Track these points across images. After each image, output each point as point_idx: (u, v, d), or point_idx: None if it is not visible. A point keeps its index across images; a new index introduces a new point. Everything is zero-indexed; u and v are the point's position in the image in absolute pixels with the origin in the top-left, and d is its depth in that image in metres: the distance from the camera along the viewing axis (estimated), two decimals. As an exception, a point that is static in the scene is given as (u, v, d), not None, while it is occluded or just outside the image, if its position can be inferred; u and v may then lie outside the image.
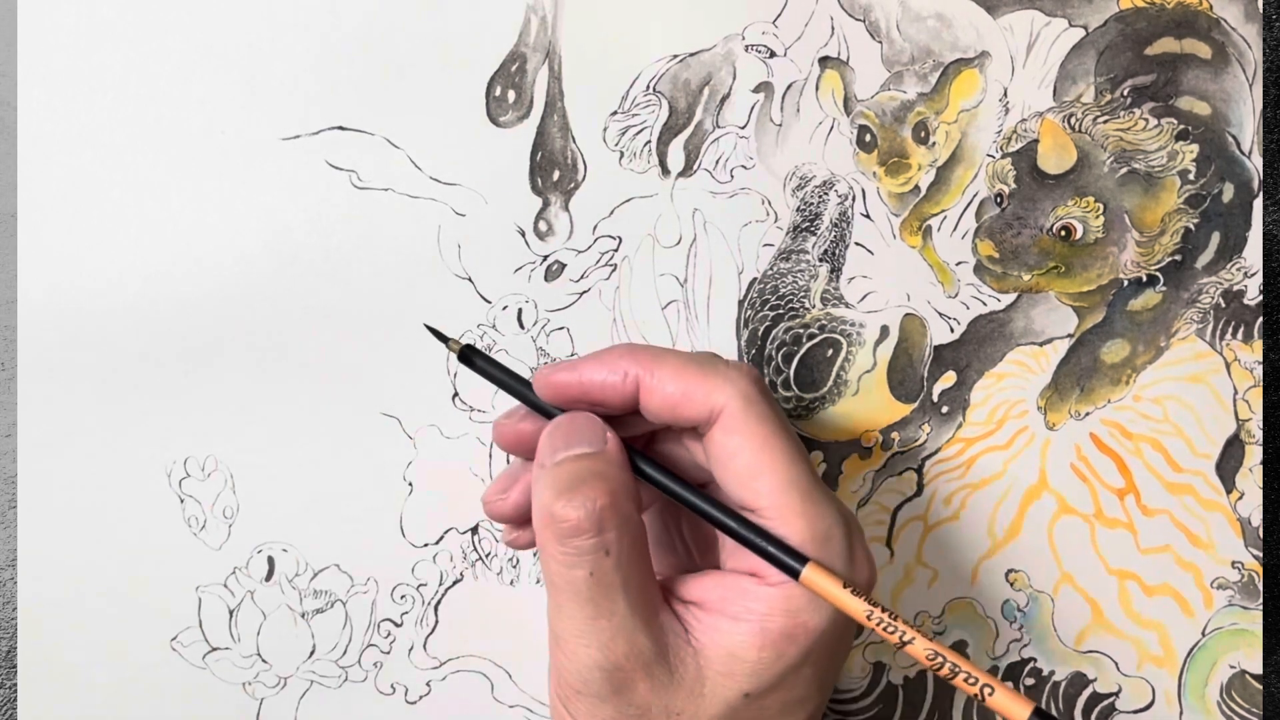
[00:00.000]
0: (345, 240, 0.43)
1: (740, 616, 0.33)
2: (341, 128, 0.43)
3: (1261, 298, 0.46)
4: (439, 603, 0.44)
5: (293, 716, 0.44)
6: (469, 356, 0.37)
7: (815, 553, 0.33)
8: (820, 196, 0.45)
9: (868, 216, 0.46)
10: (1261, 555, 0.47)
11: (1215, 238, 0.46)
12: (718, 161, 0.45)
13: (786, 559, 0.33)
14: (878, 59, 0.45)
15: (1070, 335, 0.46)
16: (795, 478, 0.33)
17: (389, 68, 0.43)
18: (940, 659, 0.32)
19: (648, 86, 0.44)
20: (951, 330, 0.46)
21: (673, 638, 0.33)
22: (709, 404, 0.33)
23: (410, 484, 0.44)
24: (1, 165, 0.43)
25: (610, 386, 0.34)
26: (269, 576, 0.43)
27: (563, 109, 0.44)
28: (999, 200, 0.46)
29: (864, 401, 0.46)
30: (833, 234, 0.45)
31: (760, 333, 0.45)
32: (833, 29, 0.45)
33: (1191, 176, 0.46)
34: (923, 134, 0.45)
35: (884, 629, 0.32)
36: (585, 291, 0.45)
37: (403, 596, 0.44)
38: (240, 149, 0.43)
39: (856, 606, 0.32)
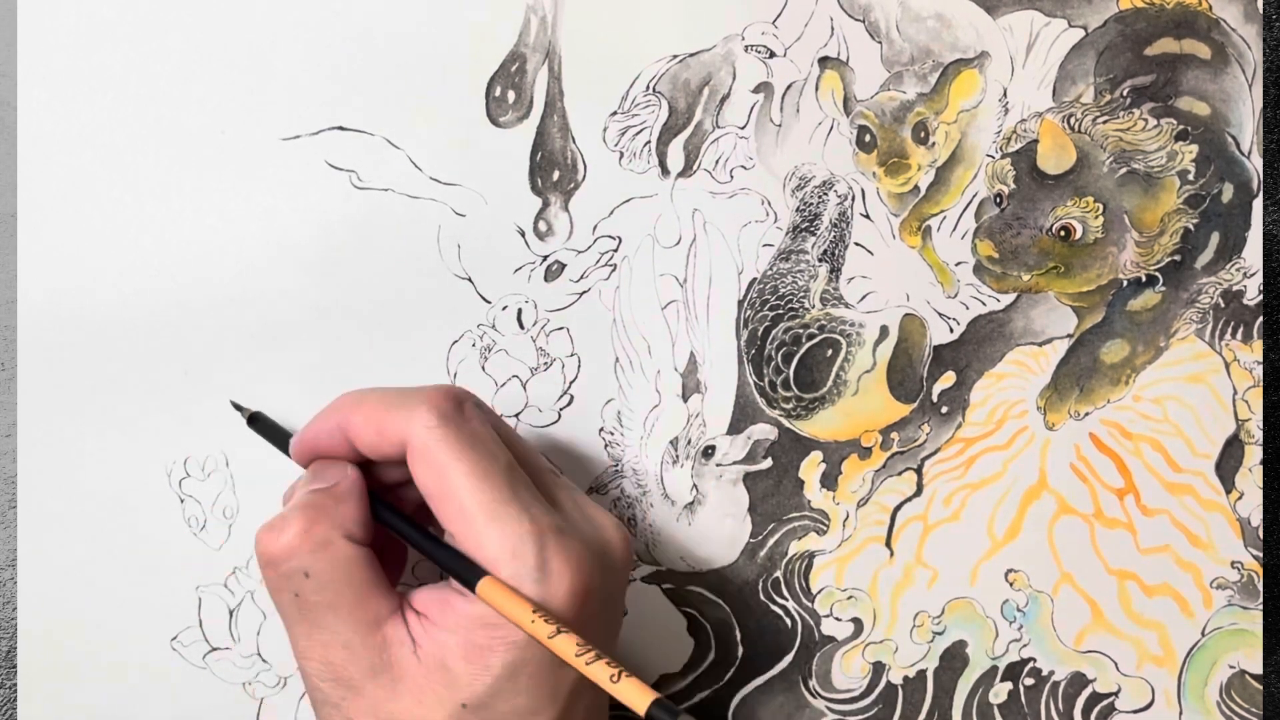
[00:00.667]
0: (345, 240, 0.43)
1: (450, 628, 0.35)
2: (341, 128, 0.43)
3: (1261, 298, 0.46)
4: (439, 603, 0.44)
5: (293, 716, 0.44)
6: (256, 422, 0.41)
7: (504, 568, 0.34)
8: (820, 197, 0.45)
9: (867, 216, 0.46)
10: (1261, 555, 0.47)
11: (1215, 238, 0.46)
12: (717, 162, 0.45)
13: (466, 574, 0.34)
14: (877, 59, 0.45)
15: (1070, 335, 0.46)
16: (481, 499, 0.35)
17: (389, 68, 0.43)
18: (585, 649, 0.33)
19: (648, 87, 0.44)
20: (951, 330, 0.46)
21: (398, 648, 0.35)
22: (398, 439, 0.36)
23: (410, 484, 0.44)
24: (1, 165, 0.43)
25: (330, 441, 0.37)
26: (269, 576, 0.43)
27: (563, 109, 0.44)
28: (998, 200, 0.46)
29: (864, 401, 0.46)
30: (832, 234, 0.45)
31: (760, 333, 0.45)
32: (832, 29, 0.45)
33: (1191, 177, 0.46)
34: (922, 134, 0.45)
35: (543, 634, 0.33)
36: (585, 291, 0.45)
37: (403, 596, 0.44)
38: (240, 149, 0.43)
39: (520, 614, 0.33)
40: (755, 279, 0.45)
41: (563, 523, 0.36)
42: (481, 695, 0.34)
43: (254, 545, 0.36)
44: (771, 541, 0.46)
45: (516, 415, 0.44)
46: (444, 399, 0.36)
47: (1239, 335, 0.46)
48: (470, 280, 0.44)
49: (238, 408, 0.42)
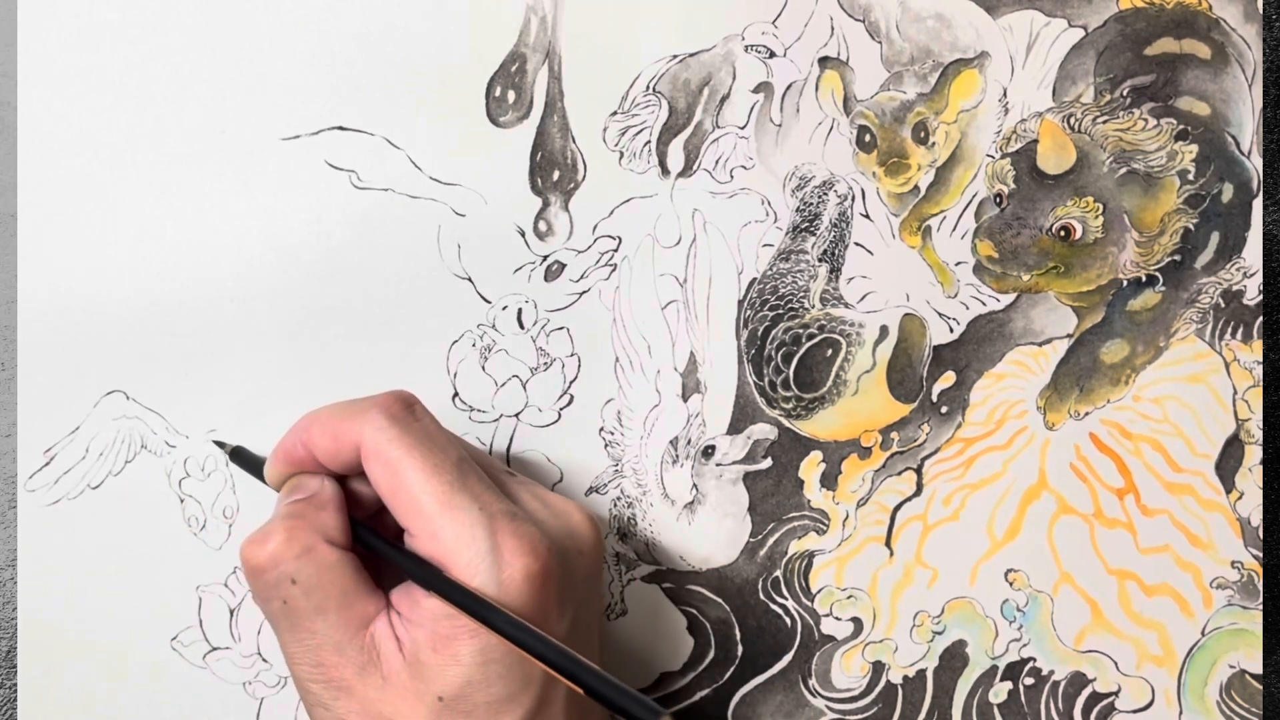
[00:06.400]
0: (345, 240, 0.43)
1: (419, 623, 0.35)
2: (341, 128, 0.43)
3: (1261, 298, 0.46)
4: (439, 602, 0.44)
5: (293, 716, 0.44)
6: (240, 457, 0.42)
7: (459, 557, 0.35)
8: (820, 197, 0.45)
9: (867, 217, 0.46)
10: (1261, 555, 0.47)
11: (1214, 238, 0.46)
12: (717, 161, 0.45)
13: (421, 574, 0.36)
14: (877, 59, 0.45)
15: (1069, 335, 0.46)
16: (432, 490, 0.36)
17: (389, 68, 0.43)
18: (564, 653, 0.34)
19: (648, 86, 0.44)
20: (951, 330, 0.46)
21: (385, 646, 0.36)
22: (352, 442, 0.37)
23: (410, 484, 0.44)
24: (1, 165, 0.43)
25: (295, 457, 0.38)
26: (269, 576, 0.43)
27: (563, 109, 0.44)
28: (998, 200, 0.46)
29: (863, 401, 0.46)
30: (832, 234, 0.45)
31: (760, 333, 0.45)
32: (832, 29, 0.45)
33: (1191, 176, 0.46)
34: (922, 134, 0.45)
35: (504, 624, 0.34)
36: (585, 291, 0.45)
37: (403, 596, 0.44)
38: (240, 149, 0.43)
39: (474, 606, 0.34)
40: (755, 279, 0.45)
41: (515, 509, 0.37)
42: (456, 686, 0.35)
43: (239, 558, 0.37)
44: (771, 541, 0.46)
45: (516, 415, 0.44)
46: (394, 401, 0.37)
47: (1239, 335, 0.46)
48: (470, 280, 0.44)
49: (220, 445, 0.42)
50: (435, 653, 0.35)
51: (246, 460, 0.41)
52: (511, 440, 0.44)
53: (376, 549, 0.37)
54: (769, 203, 0.45)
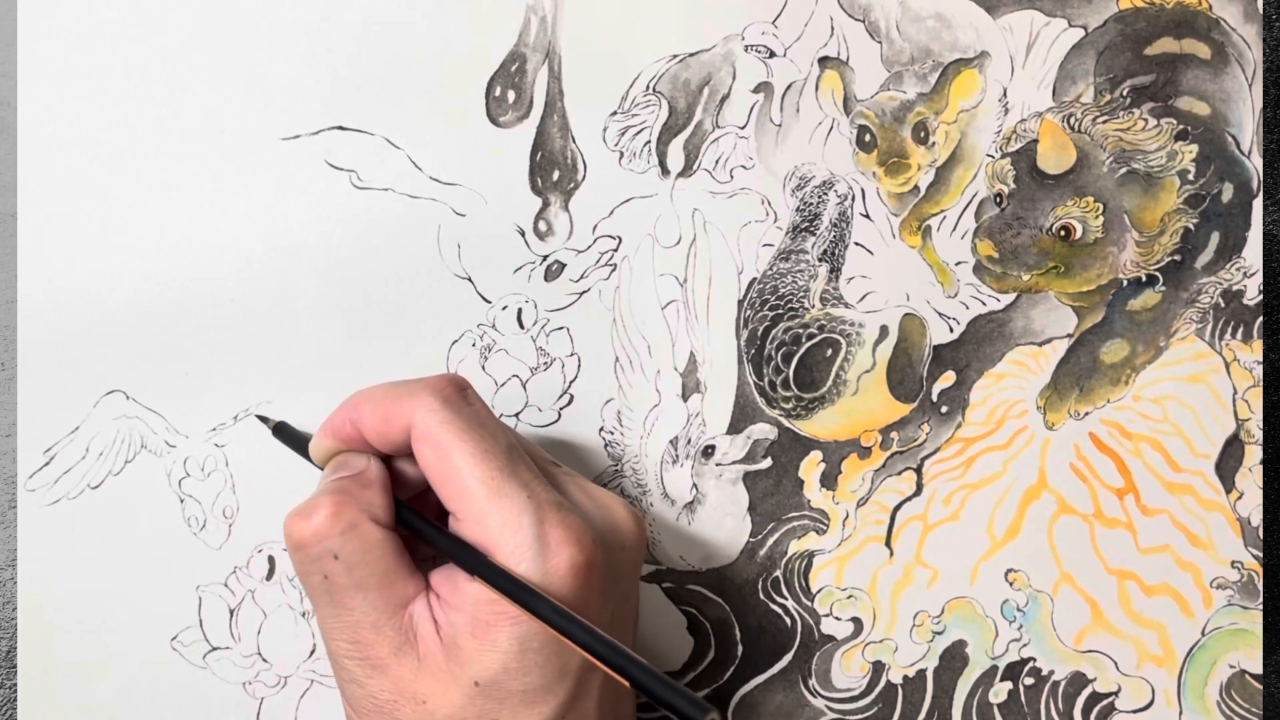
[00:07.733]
0: (345, 240, 0.43)
1: (459, 607, 0.35)
2: (341, 128, 0.43)
3: (1261, 297, 0.46)
4: (439, 602, 0.44)
5: (293, 716, 0.44)
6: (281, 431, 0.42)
7: (504, 544, 0.35)
8: (820, 196, 0.45)
9: (867, 216, 0.46)
10: (1261, 555, 0.47)
11: (1214, 238, 0.46)
12: (717, 161, 0.45)
13: (465, 559, 0.35)
14: (877, 59, 0.45)
15: (1069, 335, 0.46)
16: (481, 475, 0.35)
17: (389, 68, 0.43)
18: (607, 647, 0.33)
19: (647, 86, 0.44)
20: (951, 330, 0.46)
21: (423, 627, 0.36)
22: (402, 423, 0.37)
23: (410, 484, 0.44)
24: (1, 165, 0.43)
25: (343, 434, 0.38)
26: (269, 576, 0.43)
27: (563, 109, 0.44)
28: (998, 200, 0.46)
29: (863, 401, 0.46)
30: (832, 234, 0.45)
31: (760, 333, 0.45)
32: (832, 29, 0.45)
33: (1191, 176, 0.46)
34: (922, 134, 0.45)
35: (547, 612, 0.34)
36: (585, 291, 0.45)
37: (403, 596, 0.44)
38: (240, 149, 0.43)
39: (519, 593, 0.34)
40: (755, 279, 0.45)
41: (563, 500, 0.37)
42: (492, 672, 0.34)
43: (283, 530, 0.37)
44: (771, 541, 0.46)
45: (516, 415, 0.44)
46: (447, 384, 0.37)
47: (1239, 335, 0.46)
48: (470, 280, 0.44)
49: (263, 420, 0.42)
50: (474, 638, 0.35)
51: (289, 436, 0.41)
52: (511, 440, 0.44)
53: (420, 531, 0.37)
54: (769, 203, 0.45)
